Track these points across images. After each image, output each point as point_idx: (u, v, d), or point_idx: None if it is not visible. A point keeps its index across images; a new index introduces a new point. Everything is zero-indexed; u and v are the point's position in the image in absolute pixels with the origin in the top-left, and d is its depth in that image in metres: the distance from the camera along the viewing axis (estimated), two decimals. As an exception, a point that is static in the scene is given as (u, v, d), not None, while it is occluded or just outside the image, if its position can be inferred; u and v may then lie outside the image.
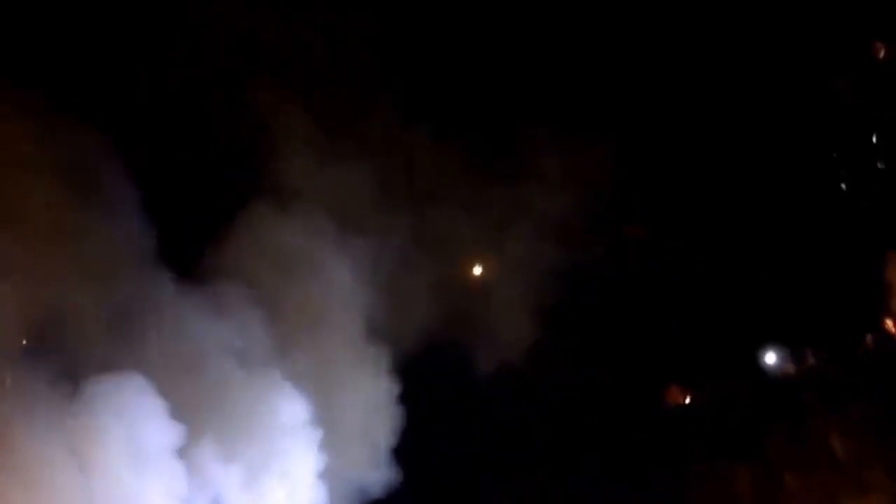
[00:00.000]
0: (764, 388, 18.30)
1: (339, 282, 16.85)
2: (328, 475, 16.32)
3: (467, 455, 18.18)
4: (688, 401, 18.83)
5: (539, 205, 17.97)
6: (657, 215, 18.75)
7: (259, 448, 15.87)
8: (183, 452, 14.90)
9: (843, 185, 17.52)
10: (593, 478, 18.20)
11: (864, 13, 16.84)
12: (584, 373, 18.52)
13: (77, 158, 15.22)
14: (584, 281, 18.19)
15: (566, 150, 17.96)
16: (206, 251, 16.31)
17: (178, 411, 14.85)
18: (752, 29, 17.81)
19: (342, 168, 17.17)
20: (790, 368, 18.49)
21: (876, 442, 17.34)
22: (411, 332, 17.29)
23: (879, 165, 17.08)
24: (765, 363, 18.58)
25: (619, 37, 18.09)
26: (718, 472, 18.03)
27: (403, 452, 16.83)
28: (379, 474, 16.79)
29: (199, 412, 15.19)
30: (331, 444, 16.27)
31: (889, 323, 17.86)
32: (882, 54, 16.74)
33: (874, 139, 17.04)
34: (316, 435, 16.15)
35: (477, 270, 18.50)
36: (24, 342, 14.53)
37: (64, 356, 14.62)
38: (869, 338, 17.91)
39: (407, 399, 16.91)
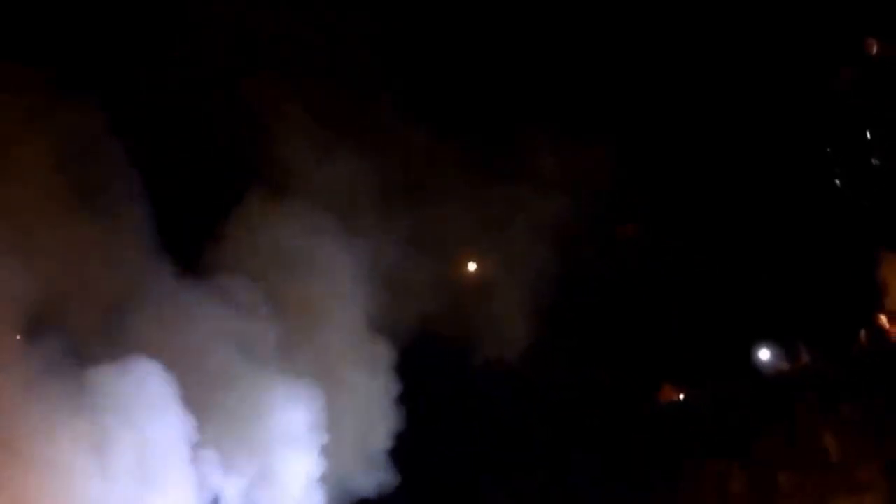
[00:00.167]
0: (759, 388, 18.35)
1: (339, 279, 16.82)
2: (327, 475, 16.20)
3: (466, 455, 18.14)
4: (682, 397, 18.89)
5: (539, 204, 18.03)
6: (655, 215, 18.88)
7: (259, 448, 15.77)
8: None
9: (838, 183, 17.63)
10: (592, 477, 18.16)
11: (859, 11, 17.02)
12: (583, 372, 18.54)
13: (81, 151, 15.22)
14: (583, 280, 18.27)
15: (565, 150, 18.07)
16: (205, 248, 16.27)
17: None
18: (747, 28, 17.97)
19: (342, 166, 17.18)
20: (784, 366, 18.57)
21: (870, 441, 17.36)
22: (410, 331, 17.29)
23: (874, 162, 17.21)
24: (759, 361, 18.69)
25: (617, 37, 18.20)
26: (713, 472, 18.02)
27: (402, 452, 16.77)
28: (378, 474, 16.71)
29: (202, 408, 15.09)
30: (330, 443, 16.16)
31: (883, 321, 17.96)
32: (875, 51, 16.90)
33: (868, 136, 17.20)
34: (318, 434, 16.05)
35: (476, 270, 18.53)
36: (19, 337, 14.37)
37: (65, 345, 14.47)
38: (863, 336, 17.98)
39: (406, 398, 16.86)
